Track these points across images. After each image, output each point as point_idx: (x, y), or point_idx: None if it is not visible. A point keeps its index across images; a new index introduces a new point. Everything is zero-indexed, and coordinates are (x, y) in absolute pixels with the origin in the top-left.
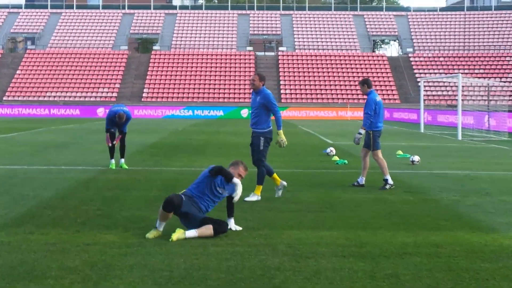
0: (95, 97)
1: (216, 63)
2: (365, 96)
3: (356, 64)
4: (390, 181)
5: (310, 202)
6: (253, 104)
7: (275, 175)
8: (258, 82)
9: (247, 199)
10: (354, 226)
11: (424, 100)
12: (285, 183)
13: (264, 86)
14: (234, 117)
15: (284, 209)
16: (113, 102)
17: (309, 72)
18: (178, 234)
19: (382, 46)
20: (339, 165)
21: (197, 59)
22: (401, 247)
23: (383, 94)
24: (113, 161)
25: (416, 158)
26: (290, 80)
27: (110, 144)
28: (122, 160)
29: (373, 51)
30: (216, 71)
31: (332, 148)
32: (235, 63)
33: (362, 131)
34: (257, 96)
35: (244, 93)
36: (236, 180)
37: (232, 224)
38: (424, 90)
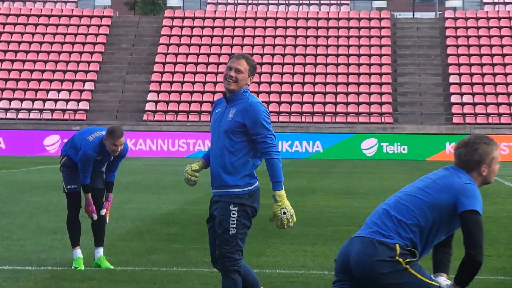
0: (41, 111)
1: (307, 36)
2: None
3: None
4: None
5: None
6: (219, 127)
7: None
8: (245, 76)
9: None
10: None
11: None
12: None
13: (248, 87)
14: (346, 156)
15: None
16: (81, 124)
17: None
18: None
19: None
20: None
21: (261, 27)
22: None
23: None
24: (79, 252)
25: None
26: (470, 72)
27: (94, 216)
28: (101, 251)
29: None
30: (304, 54)
31: None
32: (348, 36)
33: None
34: (229, 108)
35: (369, 102)
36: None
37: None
38: None
